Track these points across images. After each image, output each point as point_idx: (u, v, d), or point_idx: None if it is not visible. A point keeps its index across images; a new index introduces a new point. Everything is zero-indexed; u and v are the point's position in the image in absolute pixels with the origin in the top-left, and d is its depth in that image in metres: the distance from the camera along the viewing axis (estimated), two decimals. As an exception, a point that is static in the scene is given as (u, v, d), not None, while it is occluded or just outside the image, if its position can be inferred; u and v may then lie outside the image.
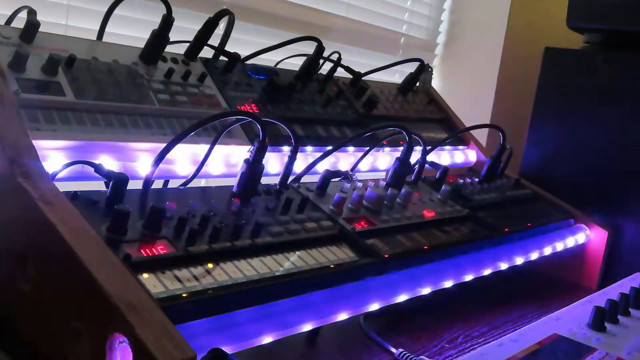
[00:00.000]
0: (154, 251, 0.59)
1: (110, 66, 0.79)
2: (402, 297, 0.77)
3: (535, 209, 1.15)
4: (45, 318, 0.55)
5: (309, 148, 0.94)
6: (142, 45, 0.84)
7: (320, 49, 1.02)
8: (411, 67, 1.25)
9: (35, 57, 0.72)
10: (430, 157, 1.08)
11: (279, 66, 1.08)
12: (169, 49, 0.86)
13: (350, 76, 1.13)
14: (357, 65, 1.18)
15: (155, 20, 0.84)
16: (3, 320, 0.59)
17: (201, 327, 0.56)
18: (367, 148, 0.99)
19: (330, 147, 0.93)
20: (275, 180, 0.82)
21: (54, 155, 0.67)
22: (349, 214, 0.81)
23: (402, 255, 0.79)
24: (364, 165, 1.01)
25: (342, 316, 0.69)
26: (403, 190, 0.91)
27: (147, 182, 0.69)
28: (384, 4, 1.58)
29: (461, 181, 1.09)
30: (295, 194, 0.81)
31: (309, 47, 1.04)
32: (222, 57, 0.95)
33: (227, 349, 0.53)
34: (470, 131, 1.23)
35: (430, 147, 1.08)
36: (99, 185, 0.67)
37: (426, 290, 0.81)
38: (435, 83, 1.77)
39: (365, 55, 1.52)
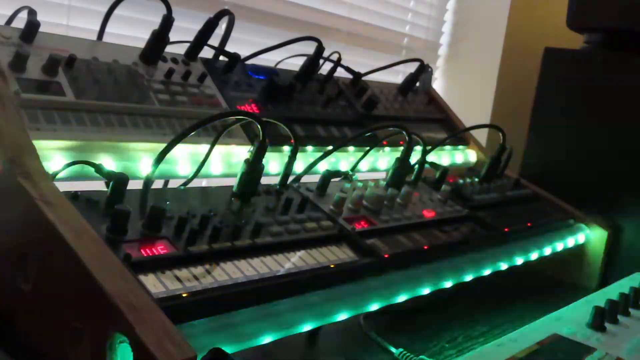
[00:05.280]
0: (154, 251, 0.59)
1: (110, 66, 0.79)
2: (402, 297, 0.77)
3: (535, 209, 1.15)
4: (45, 318, 0.55)
5: (309, 148, 0.94)
6: (142, 45, 0.84)
7: (320, 49, 1.02)
8: (413, 68, 1.25)
9: (36, 57, 0.72)
10: (430, 157, 1.08)
11: (279, 66, 1.09)
12: (169, 49, 0.86)
13: (351, 76, 1.13)
14: (360, 66, 1.17)
15: (155, 20, 0.84)
16: (3, 320, 0.59)
17: (201, 327, 0.56)
18: (367, 148, 0.99)
19: (330, 147, 0.93)
20: (275, 180, 0.82)
21: (54, 155, 0.67)
22: (349, 214, 0.81)
23: (402, 255, 0.79)
24: (364, 165, 1.01)
25: (342, 316, 0.69)
26: (403, 190, 0.91)
27: (147, 182, 0.69)
28: (387, 5, 1.58)
29: (461, 181, 1.09)
30: (295, 194, 0.81)
31: (309, 47, 1.04)
32: (222, 57, 0.95)
33: (227, 349, 0.53)
34: (470, 131, 1.23)
35: (430, 147, 1.08)
36: (99, 185, 0.67)
37: (426, 290, 0.81)
38: (438, 83, 1.78)
39: (368, 55, 1.52)
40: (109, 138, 0.72)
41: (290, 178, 0.84)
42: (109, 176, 0.65)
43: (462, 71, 1.78)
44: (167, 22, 0.83)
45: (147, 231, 0.61)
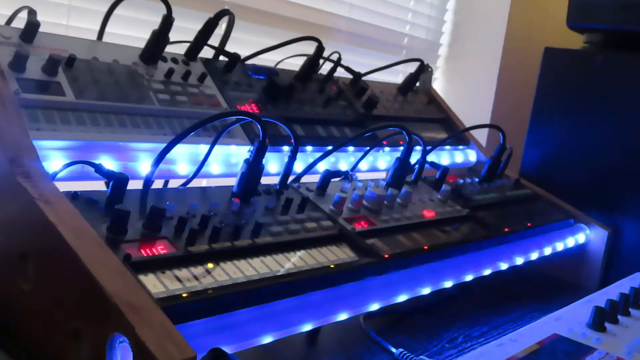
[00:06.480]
0: (154, 251, 0.59)
1: (110, 66, 0.79)
2: (402, 297, 0.77)
3: (535, 209, 1.15)
4: (45, 318, 0.55)
5: (309, 148, 0.94)
6: (142, 45, 0.84)
7: (320, 49, 1.02)
8: (413, 68, 1.25)
9: (36, 57, 0.72)
10: (430, 157, 1.08)
11: (279, 66, 1.09)
12: (169, 49, 0.86)
13: (351, 76, 1.13)
14: (361, 66, 1.18)
15: (155, 20, 0.84)
16: (3, 320, 0.59)
17: (201, 327, 0.56)
18: (367, 148, 0.99)
19: (330, 147, 0.93)
20: (275, 180, 0.82)
21: (54, 155, 0.67)
22: (349, 214, 0.81)
23: (402, 255, 0.79)
24: (364, 165, 1.01)
25: (342, 316, 0.69)
26: (403, 190, 0.91)
27: (147, 182, 0.69)
28: (387, 4, 1.58)
29: (461, 181, 1.09)
30: (295, 194, 0.81)
31: (309, 47, 1.04)
32: (222, 57, 0.95)
33: (227, 349, 0.53)
34: (470, 131, 1.23)
35: (430, 147, 1.08)
36: (99, 185, 0.67)
37: (426, 290, 0.81)
38: (438, 83, 1.78)
39: (368, 55, 1.51)
40: (109, 138, 0.72)
41: (290, 178, 0.84)
42: (109, 176, 0.65)
43: (462, 71, 1.78)
44: (167, 22, 0.83)
45: (147, 231, 0.61)
